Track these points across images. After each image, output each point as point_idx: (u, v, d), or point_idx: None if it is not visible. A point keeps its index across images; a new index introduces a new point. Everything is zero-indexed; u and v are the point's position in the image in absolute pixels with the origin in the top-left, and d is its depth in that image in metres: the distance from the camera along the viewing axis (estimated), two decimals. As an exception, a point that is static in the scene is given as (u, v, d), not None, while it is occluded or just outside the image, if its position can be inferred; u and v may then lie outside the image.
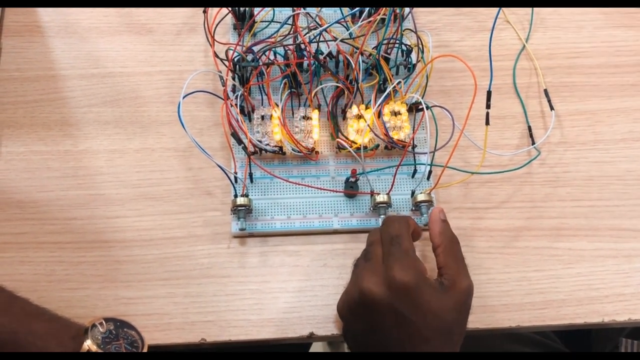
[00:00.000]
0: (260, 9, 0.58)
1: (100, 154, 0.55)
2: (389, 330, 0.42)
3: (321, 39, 0.54)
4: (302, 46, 0.55)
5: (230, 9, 0.58)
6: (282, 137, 0.53)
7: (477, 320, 0.50)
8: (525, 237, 0.53)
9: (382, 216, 0.52)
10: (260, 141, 0.54)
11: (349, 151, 0.53)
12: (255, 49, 0.55)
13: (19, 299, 0.44)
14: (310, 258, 0.52)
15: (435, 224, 0.48)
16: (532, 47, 0.62)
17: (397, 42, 0.56)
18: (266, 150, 0.54)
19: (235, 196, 0.51)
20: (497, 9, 0.57)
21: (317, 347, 1.02)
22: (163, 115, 0.57)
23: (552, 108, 0.59)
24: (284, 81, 0.55)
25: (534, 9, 0.64)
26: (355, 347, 0.46)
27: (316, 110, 0.55)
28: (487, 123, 0.49)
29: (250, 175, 0.53)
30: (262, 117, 0.54)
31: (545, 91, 0.60)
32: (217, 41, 0.55)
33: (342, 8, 0.58)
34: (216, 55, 0.55)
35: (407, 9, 0.60)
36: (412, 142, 0.54)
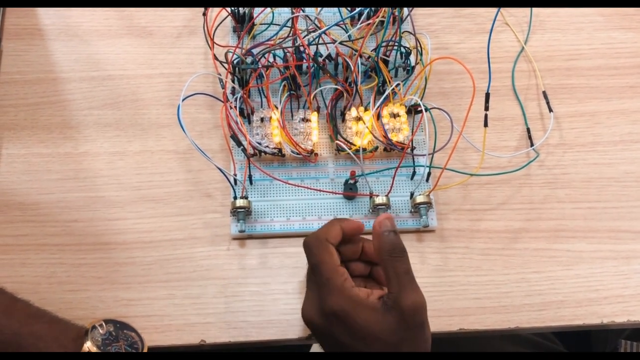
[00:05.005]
0: (260, 11, 0.58)
1: (101, 157, 0.55)
2: (335, 349, 0.43)
3: (320, 41, 0.55)
4: (301, 48, 0.55)
5: (229, 11, 0.58)
6: (281, 139, 0.53)
7: (476, 321, 0.50)
8: (524, 239, 0.54)
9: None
10: (259, 143, 0.54)
11: (348, 153, 0.53)
12: (255, 51, 0.55)
13: (19, 301, 0.44)
14: (309, 260, 0.52)
15: (375, 239, 0.43)
16: (531, 49, 0.62)
17: (396, 44, 0.56)
18: (265, 152, 0.54)
19: (235, 198, 0.52)
20: (496, 10, 0.58)
21: (317, 349, 1.02)
22: (163, 118, 0.57)
23: (550, 110, 0.59)
24: (283, 83, 0.55)
25: (533, 11, 0.64)
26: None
27: (315, 113, 0.55)
28: (486, 125, 0.49)
29: (250, 177, 0.53)
30: (262, 119, 0.54)
31: (544, 93, 0.60)
32: (216, 44, 0.55)
33: (340, 10, 0.58)
34: (216, 57, 0.55)
35: (405, 12, 0.60)
36: (411, 144, 0.55)
